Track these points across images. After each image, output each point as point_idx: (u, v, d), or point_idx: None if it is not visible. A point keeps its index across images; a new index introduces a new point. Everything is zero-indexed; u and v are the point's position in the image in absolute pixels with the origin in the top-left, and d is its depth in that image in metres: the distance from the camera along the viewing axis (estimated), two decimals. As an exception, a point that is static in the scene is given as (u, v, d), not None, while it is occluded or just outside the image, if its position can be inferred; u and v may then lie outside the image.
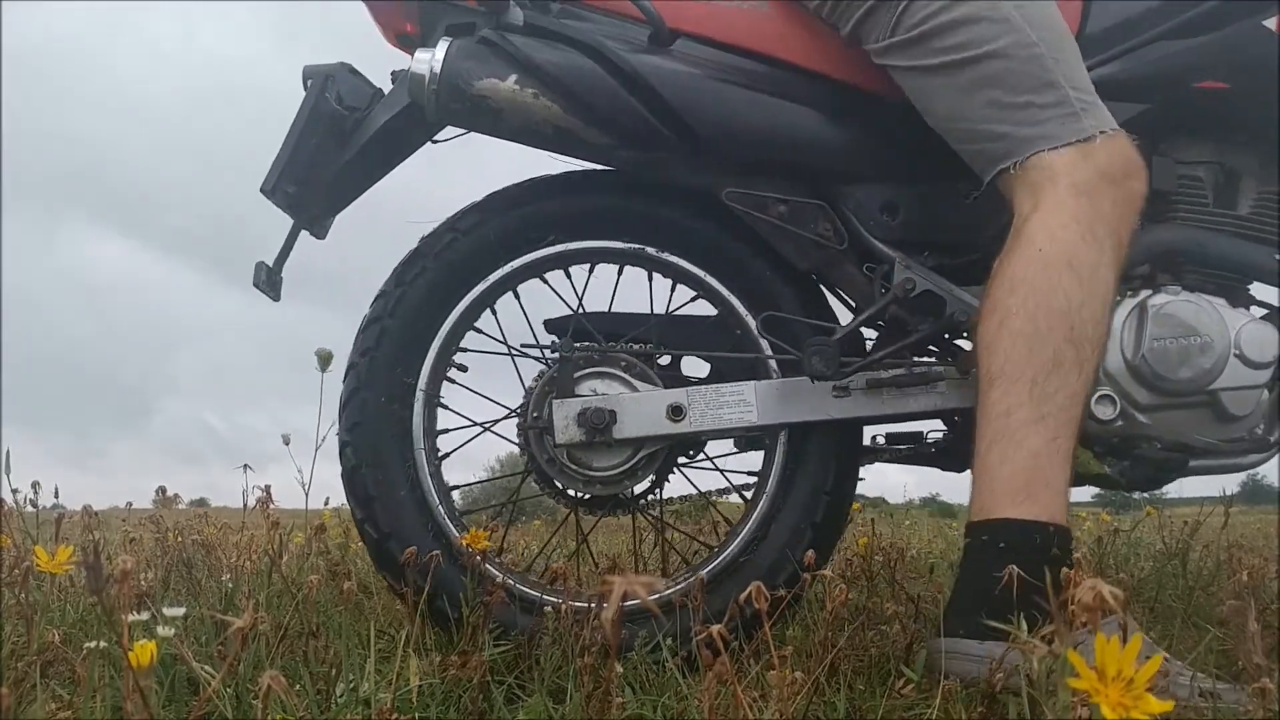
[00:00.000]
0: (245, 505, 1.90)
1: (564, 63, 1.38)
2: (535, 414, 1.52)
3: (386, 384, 1.51)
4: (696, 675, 1.14)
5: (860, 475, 1.59)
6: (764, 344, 1.52)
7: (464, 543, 1.35)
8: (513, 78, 1.38)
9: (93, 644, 0.93)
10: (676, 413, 1.48)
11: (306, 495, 1.73)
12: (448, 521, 1.49)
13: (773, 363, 1.51)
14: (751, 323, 1.52)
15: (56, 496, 1.96)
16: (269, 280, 1.60)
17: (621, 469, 1.51)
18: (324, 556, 1.91)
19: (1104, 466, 1.43)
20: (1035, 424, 1.21)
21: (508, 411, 1.60)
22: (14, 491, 1.79)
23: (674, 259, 1.54)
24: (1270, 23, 1.44)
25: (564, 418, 1.48)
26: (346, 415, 1.50)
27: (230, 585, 1.62)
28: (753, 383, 1.50)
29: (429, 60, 1.39)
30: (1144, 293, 1.44)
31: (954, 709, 1.06)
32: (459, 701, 1.11)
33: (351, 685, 1.06)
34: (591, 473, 1.51)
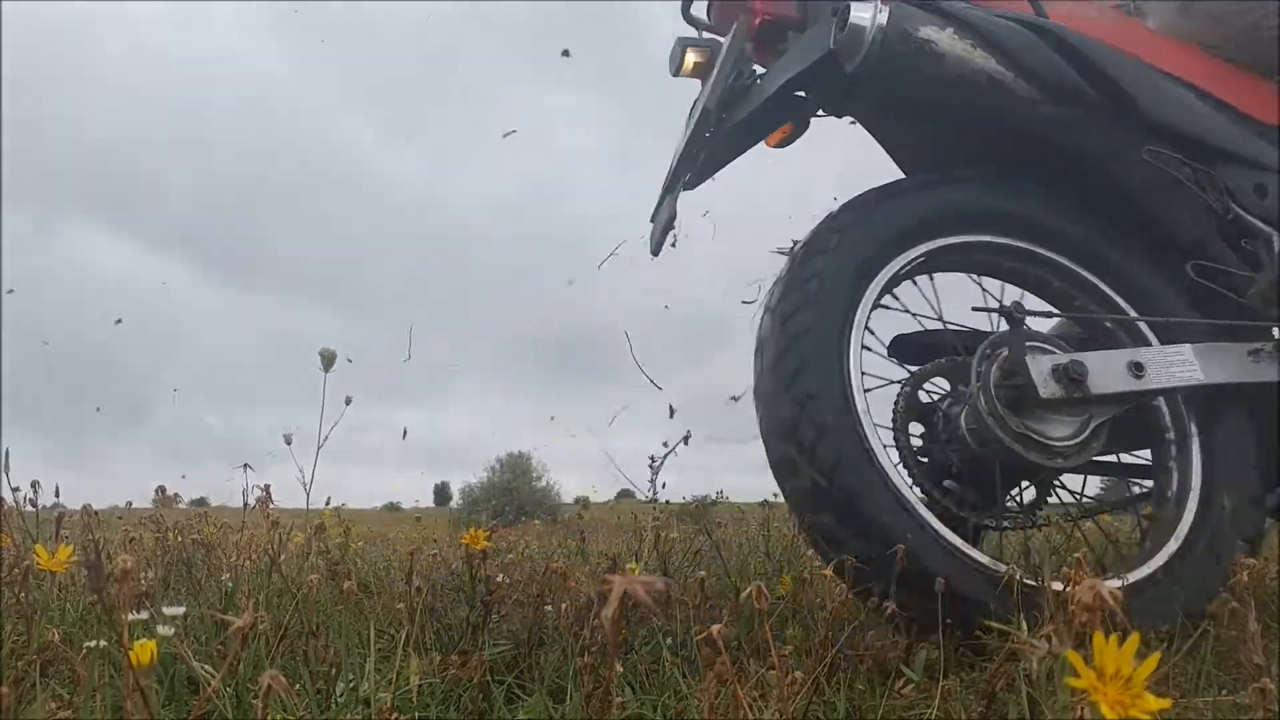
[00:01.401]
0: (245, 505, 1.90)
1: (998, 21, 1.51)
2: (987, 384, 1.50)
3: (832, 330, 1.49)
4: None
5: None
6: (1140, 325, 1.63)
7: (464, 541, 1.35)
8: (950, 30, 1.48)
9: (93, 643, 0.93)
10: (1138, 370, 1.52)
11: (308, 495, 1.73)
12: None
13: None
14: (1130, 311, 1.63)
15: (57, 496, 1.96)
16: (665, 227, 1.71)
17: (1075, 440, 1.51)
18: (324, 556, 1.91)
19: None
20: None
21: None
22: (14, 490, 1.79)
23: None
24: None
25: (1040, 373, 1.48)
26: (797, 385, 1.43)
27: (230, 585, 1.62)
28: (1189, 344, 1.57)
29: (870, 12, 1.45)
30: None
31: (954, 709, 1.06)
32: (459, 701, 1.10)
33: (351, 685, 1.06)
34: (1052, 442, 1.49)
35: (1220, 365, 1.55)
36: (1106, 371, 1.51)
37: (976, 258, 1.64)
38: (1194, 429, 1.58)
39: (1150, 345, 1.59)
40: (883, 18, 1.44)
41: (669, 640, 1.31)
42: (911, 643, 1.29)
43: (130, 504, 3.40)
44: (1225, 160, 1.60)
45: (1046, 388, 1.47)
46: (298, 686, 1.01)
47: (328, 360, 1.67)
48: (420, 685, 1.05)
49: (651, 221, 1.76)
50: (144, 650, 0.68)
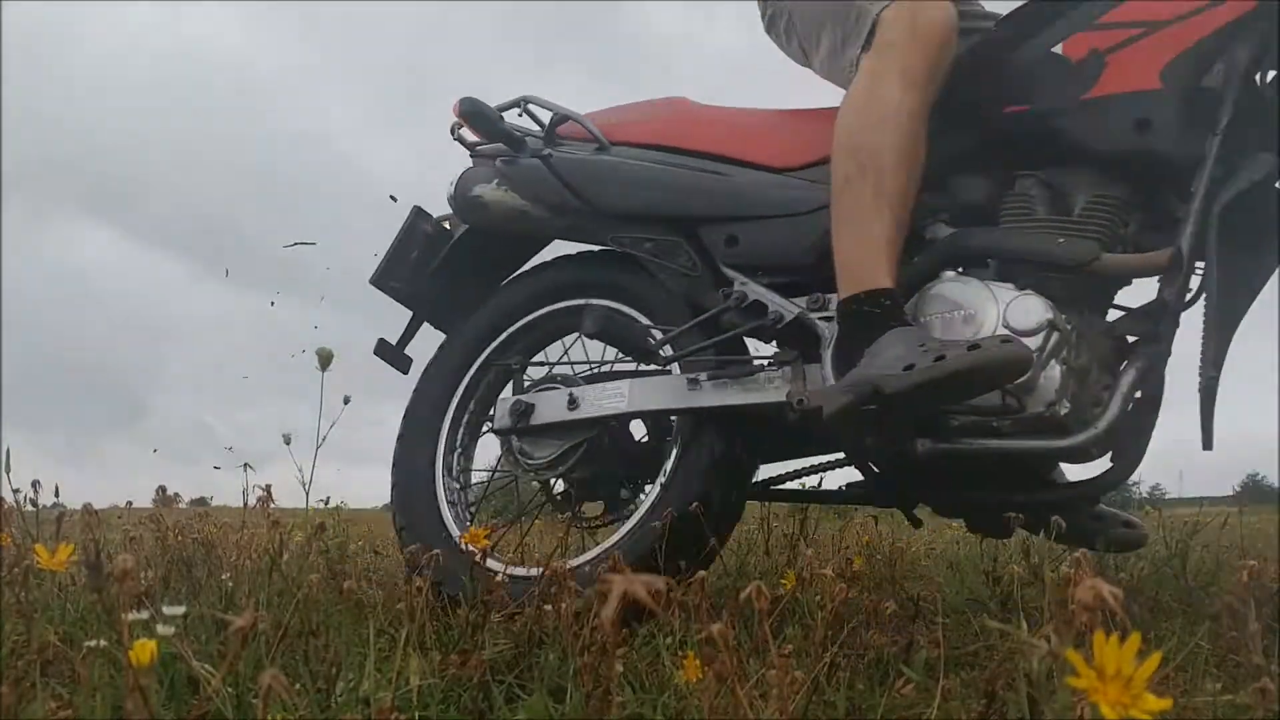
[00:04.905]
0: (245, 505, 1.90)
1: (523, 165, 1.96)
2: None
3: None
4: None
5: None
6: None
7: (463, 540, 1.35)
8: (494, 181, 1.98)
9: (93, 643, 0.93)
10: (572, 403, 1.86)
11: (307, 494, 1.73)
12: None
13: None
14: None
15: (57, 495, 1.96)
16: (392, 354, 2.18)
17: (550, 458, 1.89)
18: (324, 556, 1.91)
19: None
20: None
21: None
22: (14, 490, 1.79)
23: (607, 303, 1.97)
24: (1059, 49, 1.63)
25: (501, 411, 1.94)
26: None
27: (230, 584, 1.62)
28: (628, 380, 1.86)
29: (449, 183, 2.03)
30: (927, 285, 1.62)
31: (954, 708, 1.06)
32: (459, 700, 1.11)
33: (351, 684, 1.06)
34: (532, 460, 1.92)
35: (646, 396, 1.81)
36: (548, 406, 1.89)
37: (560, 323, 2.04)
38: (675, 441, 1.83)
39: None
40: (451, 188, 2.02)
41: (669, 639, 1.31)
42: (911, 642, 1.29)
43: (130, 503, 3.40)
44: (702, 223, 1.83)
45: (501, 421, 1.92)
46: (298, 686, 1.01)
47: (325, 359, 1.68)
48: (420, 685, 1.05)
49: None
50: (144, 650, 0.68)
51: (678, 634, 1.35)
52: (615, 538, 1.81)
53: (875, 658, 1.33)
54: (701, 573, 1.11)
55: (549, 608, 1.36)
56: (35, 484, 1.82)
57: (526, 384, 2.00)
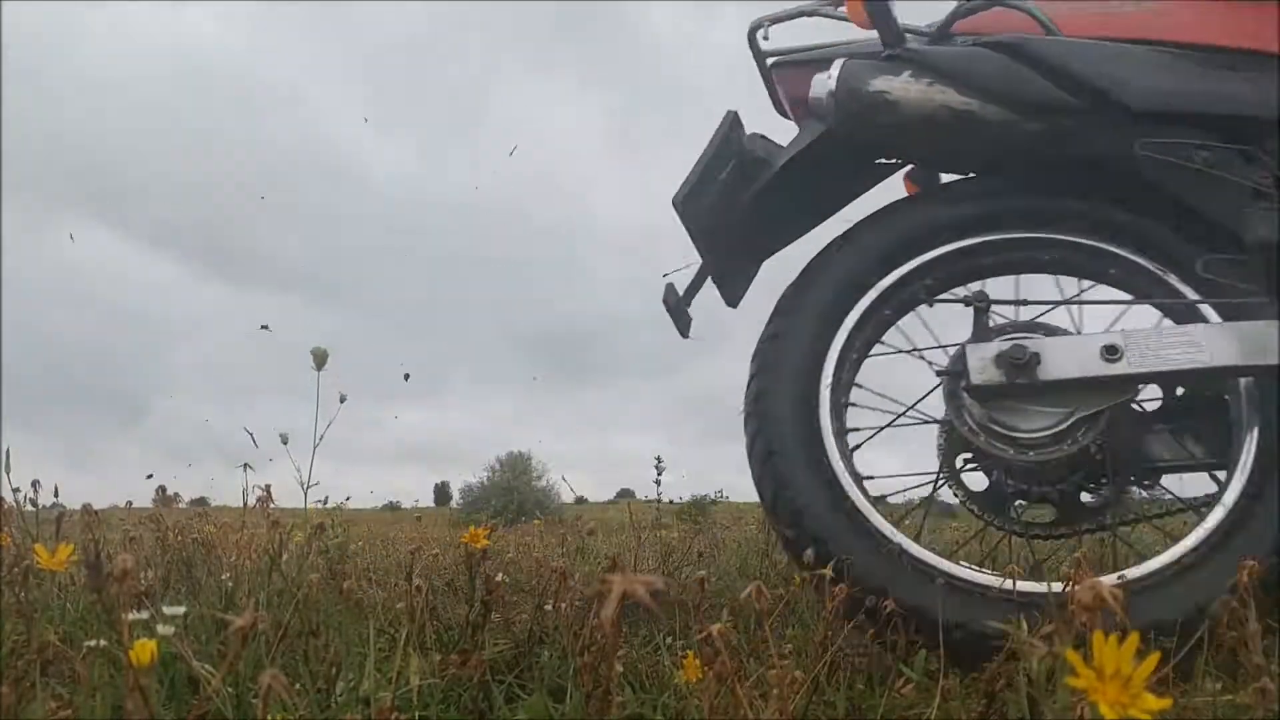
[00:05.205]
0: (245, 504, 1.90)
1: (956, 51, 1.48)
2: None
3: None
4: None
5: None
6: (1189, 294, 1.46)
7: (463, 540, 1.35)
8: (906, 73, 1.47)
9: (93, 643, 0.93)
10: (1111, 353, 1.40)
11: (305, 494, 1.73)
12: None
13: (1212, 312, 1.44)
14: (1174, 280, 1.47)
15: (56, 495, 1.96)
16: (676, 309, 1.71)
17: (1048, 432, 1.45)
18: (324, 556, 1.91)
19: None
20: None
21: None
22: (14, 490, 1.79)
23: (1102, 245, 1.53)
24: None
25: (980, 359, 1.47)
26: None
27: (230, 584, 1.62)
28: (1202, 324, 1.42)
29: (826, 76, 1.51)
30: None
31: (954, 709, 1.06)
32: (459, 700, 1.11)
33: (351, 684, 1.06)
34: (1017, 434, 1.48)
35: (1243, 347, 1.35)
36: (1068, 357, 1.41)
37: (1000, 258, 1.58)
38: (1252, 420, 1.40)
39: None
40: (831, 83, 1.49)
41: (669, 640, 1.31)
42: (911, 642, 1.29)
43: (130, 504, 3.40)
44: (1272, 129, 1.39)
45: (984, 374, 1.43)
46: (298, 686, 1.01)
47: (320, 359, 1.67)
48: (420, 685, 1.05)
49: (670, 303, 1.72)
50: (144, 650, 0.68)
51: (678, 635, 1.35)
52: (1179, 551, 1.39)
53: (875, 658, 1.33)
54: (701, 573, 1.11)
55: (549, 607, 1.36)
56: (35, 484, 1.82)
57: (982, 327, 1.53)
